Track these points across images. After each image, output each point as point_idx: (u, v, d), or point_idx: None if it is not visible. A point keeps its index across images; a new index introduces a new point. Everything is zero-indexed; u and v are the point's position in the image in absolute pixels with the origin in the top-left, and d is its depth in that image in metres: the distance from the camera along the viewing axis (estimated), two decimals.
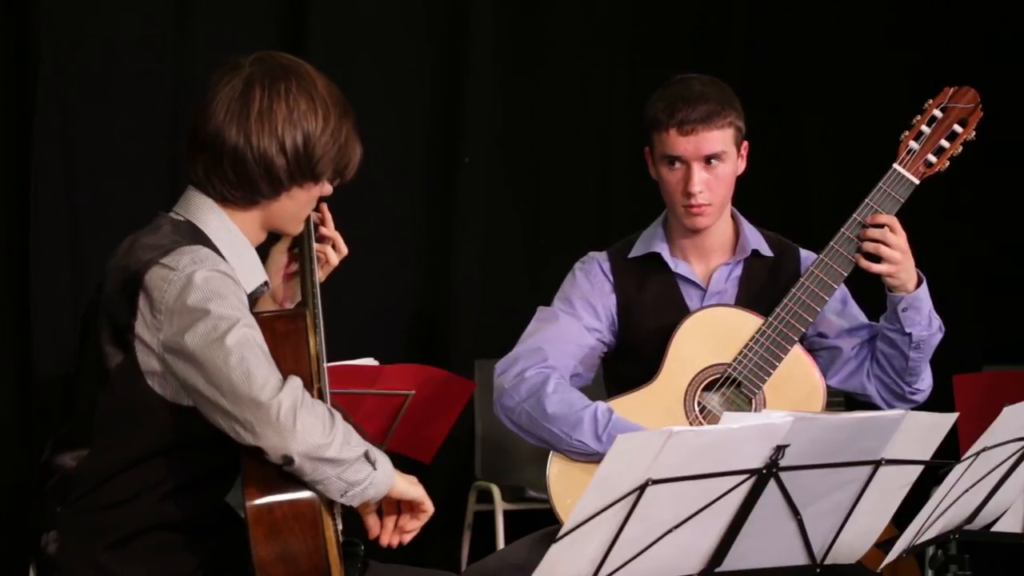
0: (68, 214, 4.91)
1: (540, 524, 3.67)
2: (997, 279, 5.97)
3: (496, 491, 5.39)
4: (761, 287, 3.62)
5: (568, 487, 3.49)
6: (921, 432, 2.78)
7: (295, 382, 2.73)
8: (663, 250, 3.63)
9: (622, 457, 2.54)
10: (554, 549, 2.59)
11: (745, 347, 3.49)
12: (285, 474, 2.74)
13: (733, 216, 3.66)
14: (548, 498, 3.51)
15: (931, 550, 3.22)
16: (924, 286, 3.56)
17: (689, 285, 3.62)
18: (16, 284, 4.88)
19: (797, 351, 3.52)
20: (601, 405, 3.50)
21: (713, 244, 3.63)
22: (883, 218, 3.48)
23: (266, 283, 2.96)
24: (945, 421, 2.81)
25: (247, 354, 2.71)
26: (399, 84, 5.54)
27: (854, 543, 2.88)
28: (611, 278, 3.64)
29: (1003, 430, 3.03)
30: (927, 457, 2.83)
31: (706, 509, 2.67)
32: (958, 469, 3.00)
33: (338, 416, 2.77)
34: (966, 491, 3.08)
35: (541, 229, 5.85)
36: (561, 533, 2.59)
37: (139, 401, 2.80)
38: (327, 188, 2.97)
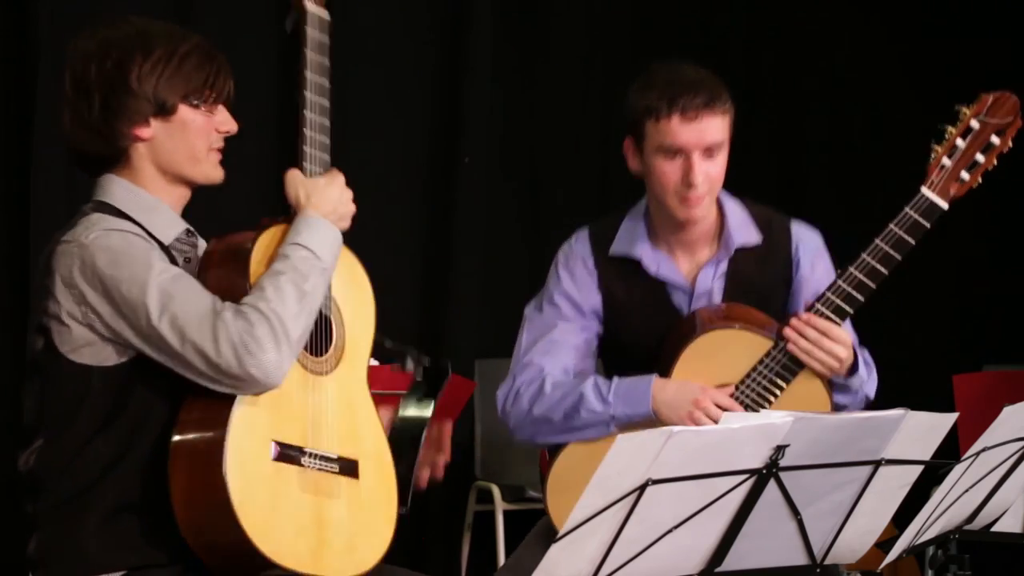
0: (68, 214, 4.90)
1: None
2: (997, 279, 5.97)
3: (496, 491, 5.39)
4: (749, 282, 3.55)
5: (565, 482, 3.47)
6: (921, 432, 2.78)
7: (214, 318, 2.75)
8: (644, 252, 3.54)
9: (622, 457, 2.54)
10: (554, 549, 2.59)
11: (752, 370, 3.43)
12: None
13: (718, 202, 3.55)
14: (542, 496, 3.49)
15: (931, 550, 3.22)
16: (859, 372, 3.46)
17: (674, 287, 3.56)
18: (16, 284, 4.88)
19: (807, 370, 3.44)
20: (598, 376, 3.49)
21: (698, 236, 3.54)
22: (820, 323, 3.35)
23: (188, 230, 2.97)
24: (945, 421, 2.81)
25: (182, 323, 2.75)
26: (399, 84, 5.53)
27: (854, 543, 2.88)
28: (595, 271, 3.57)
29: (1003, 430, 3.03)
30: (927, 457, 2.83)
31: (706, 509, 2.67)
32: (958, 469, 3.00)
33: (263, 302, 2.77)
34: (966, 491, 3.08)
35: (541, 229, 5.85)
36: (561, 533, 2.59)
37: (68, 376, 2.84)
38: (219, 118, 2.96)
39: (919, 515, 3.00)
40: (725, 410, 3.39)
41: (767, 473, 2.68)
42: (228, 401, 2.78)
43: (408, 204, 5.61)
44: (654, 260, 3.55)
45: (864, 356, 3.54)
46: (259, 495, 2.78)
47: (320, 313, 2.90)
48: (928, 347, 5.85)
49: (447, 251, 5.62)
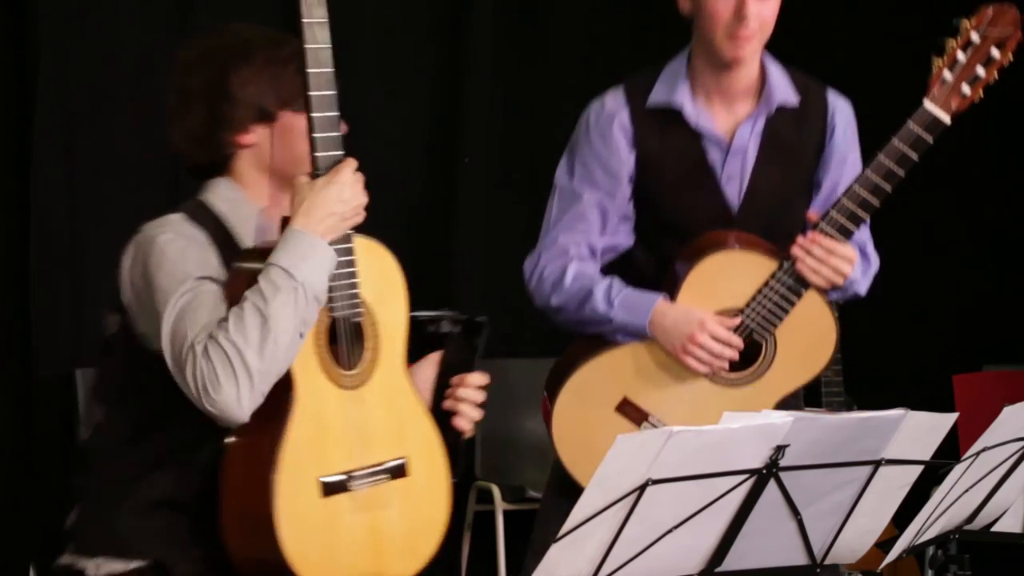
0: (68, 214, 4.91)
1: None
2: (997, 278, 5.97)
3: (496, 491, 5.38)
4: (784, 143, 3.52)
5: (573, 412, 3.49)
6: (921, 432, 2.79)
7: (191, 351, 2.74)
8: (685, 99, 3.50)
9: (622, 457, 2.54)
10: (554, 549, 2.59)
11: (758, 292, 3.42)
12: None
13: (760, 61, 3.52)
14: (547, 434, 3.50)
15: (931, 550, 3.22)
16: (856, 271, 3.46)
17: (711, 141, 3.52)
18: (16, 284, 4.88)
19: (812, 291, 3.44)
20: (617, 279, 3.50)
21: (740, 87, 3.50)
22: (826, 241, 3.36)
23: None
24: (945, 421, 2.81)
25: (175, 351, 2.76)
26: (399, 84, 5.53)
27: (854, 543, 2.88)
28: (630, 128, 3.53)
29: (1003, 430, 3.03)
30: (927, 457, 2.83)
31: (706, 509, 2.67)
32: (958, 469, 3.00)
33: (223, 334, 2.74)
34: (966, 491, 3.08)
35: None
36: (561, 533, 2.59)
37: (137, 358, 2.86)
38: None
39: (919, 515, 3.00)
40: (723, 343, 3.40)
41: (767, 473, 2.68)
42: (274, 443, 2.77)
43: (408, 204, 5.61)
44: (694, 109, 3.51)
45: (867, 249, 3.56)
46: (313, 540, 2.79)
47: (347, 323, 2.87)
48: (928, 347, 5.85)
49: (447, 251, 5.62)
